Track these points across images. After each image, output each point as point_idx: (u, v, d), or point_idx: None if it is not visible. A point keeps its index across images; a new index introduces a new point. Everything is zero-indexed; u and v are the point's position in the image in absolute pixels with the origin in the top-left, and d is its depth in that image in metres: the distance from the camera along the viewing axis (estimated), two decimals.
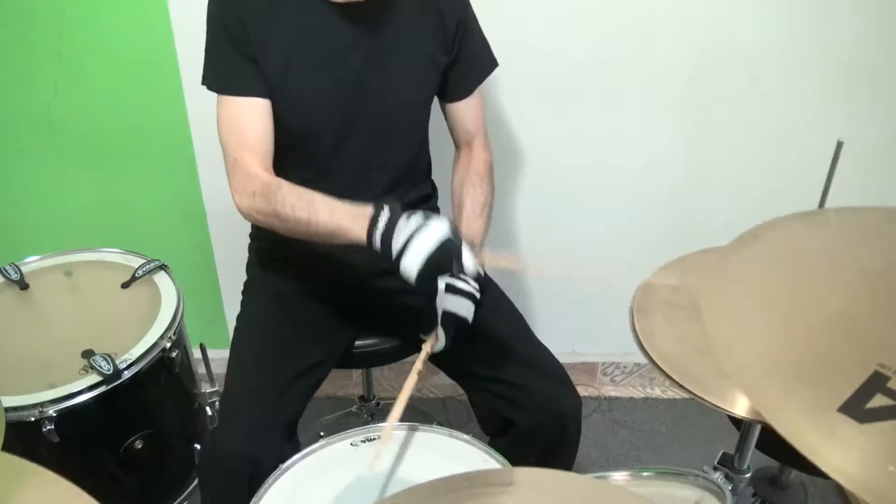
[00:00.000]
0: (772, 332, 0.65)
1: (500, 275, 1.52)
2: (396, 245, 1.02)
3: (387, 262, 1.04)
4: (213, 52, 1.21)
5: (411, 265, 1.01)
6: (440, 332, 1.12)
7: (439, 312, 1.11)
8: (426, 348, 1.13)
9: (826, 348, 0.63)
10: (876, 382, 0.58)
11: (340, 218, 1.08)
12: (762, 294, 0.70)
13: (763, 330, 0.65)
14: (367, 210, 1.06)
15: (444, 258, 1.01)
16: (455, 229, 1.04)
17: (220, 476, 1.14)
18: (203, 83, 1.23)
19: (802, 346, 0.63)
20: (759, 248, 0.75)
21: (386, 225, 1.03)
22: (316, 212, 1.10)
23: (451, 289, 1.10)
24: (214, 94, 1.22)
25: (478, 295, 1.15)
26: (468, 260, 1.03)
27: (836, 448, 0.54)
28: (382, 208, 1.05)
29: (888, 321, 0.64)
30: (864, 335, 0.63)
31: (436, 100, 1.35)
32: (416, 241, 1.01)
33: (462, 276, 1.09)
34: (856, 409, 0.56)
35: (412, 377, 1.08)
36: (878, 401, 0.56)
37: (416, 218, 1.03)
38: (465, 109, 1.35)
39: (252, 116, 1.18)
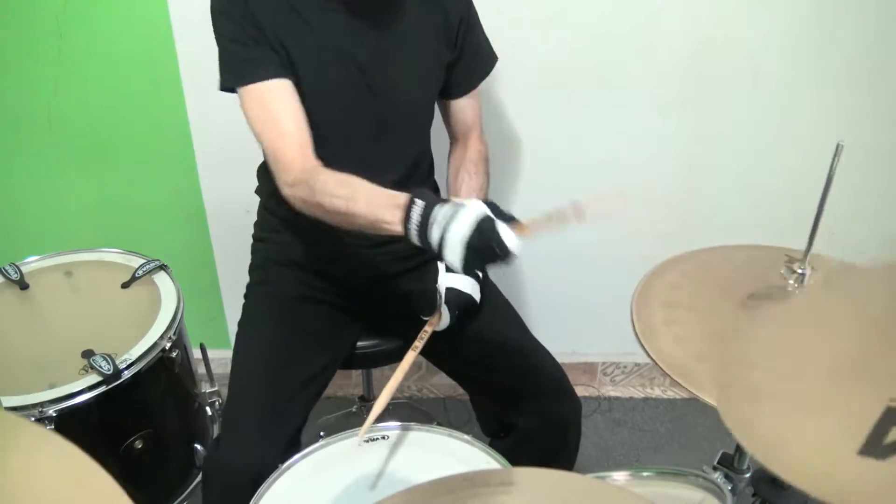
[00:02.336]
0: (784, 399, 0.65)
1: (499, 276, 1.52)
2: (434, 238, 0.94)
3: (432, 254, 0.97)
4: (224, 51, 1.16)
5: (453, 258, 0.93)
6: (444, 310, 1.13)
7: (441, 291, 1.13)
8: (428, 327, 1.14)
9: (837, 397, 0.62)
10: (890, 418, 0.58)
11: (376, 209, 1.00)
12: (771, 365, 0.70)
13: (776, 399, 0.65)
14: (402, 200, 0.98)
15: (484, 242, 0.92)
16: (494, 207, 0.96)
17: (224, 487, 1.14)
18: (221, 88, 1.18)
19: (814, 402, 0.63)
20: (760, 326, 0.76)
21: (420, 218, 0.95)
22: (355, 203, 1.03)
23: (450, 268, 1.11)
24: (214, 94, 1.22)
25: (480, 274, 1.17)
26: (509, 238, 0.92)
27: (865, 492, 0.54)
28: (414, 202, 0.97)
29: (893, 356, 0.64)
30: (871, 375, 0.63)
31: None
32: (451, 231, 0.93)
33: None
34: (875, 448, 0.56)
35: (410, 354, 1.09)
36: (895, 435, 0.56)
37: (449, 206, 0.95)
38: (465, 106, 1.36)
39: (279, 100, 1.13)
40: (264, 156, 1.17)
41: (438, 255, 0.95)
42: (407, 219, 0.96)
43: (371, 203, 1.01)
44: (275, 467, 1.08)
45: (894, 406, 0.58)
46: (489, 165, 1.37)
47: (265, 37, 1.14)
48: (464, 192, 1.30)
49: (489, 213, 0.94)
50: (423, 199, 0.96)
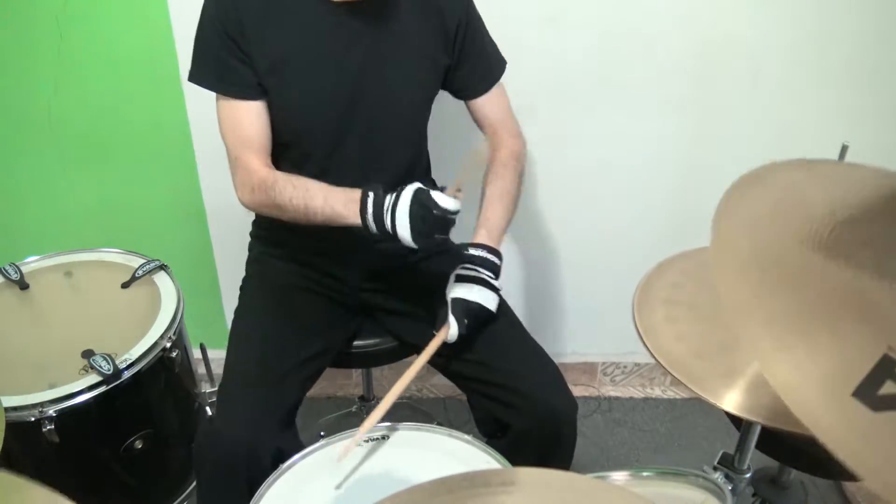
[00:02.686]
0: (782, 300, 0.62)
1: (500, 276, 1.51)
2: (388, 223, 1.09)
3: (389, 240, 1.10)
4: (206, 49, 1.21)
5: (404, 231, 1.09)
6: (451, 319, 1.15)
7: (448, 300, 1.15)
8: (437, 339, 1.15)
9: (835, 325, 0.60)
10: (886, 367, 0.56)
11: (333, 204, 1.14)
12: (770, 255, 0.66)
13: (774, 297, 0.63)
14: (356, 195, 1.13)
15: (423, 207, 1.08)
16: (426, 185, 1.12)
17: (216, 462, 1.14)
18: (191, 79, 1.23)
19: (812, 318, 0.61)
20: (762, 196, 0.73)
21: (374, 207, 1.10)
22: (312, 200, 1.16)
23: (460, 278, 1.18)
24: (211, 92, 1.23)
25: (494, 282, 1.20)
26: (444, 200, 1.09)
27: (853, 436, 0.53)
28: (368, 193, 1.11)
29: (892, 301, 0.62)
30: (871, 314, 0.61)
31: (447, 95, 1.36)
32: (398, 210, 1.08)
33: (469, 265, 1.18)
34: (868, 395, 0.54)
35: (418, 362, 1.13)
36: (889, 388, 0.55)
37: (392, 194, 1.11)
38: (483, 104, 1.35)
39: (250, 117, 1.22)
40: (228, 160, 1.25)
41: (394, 237, 1.10)
42: (363, 210, 1.11)
43: (328, 200, 1.15)
44: (267, 444, 1.08)
45: (892, 356, 0.57)
46: (524, 161, 1.37)
47: (249, 45, 1.18)
48: (489, 193, 1.30)
49: (422, 186, 1.09)
50: (373, 192, 1.11)
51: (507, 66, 1.38)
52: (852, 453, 0.51)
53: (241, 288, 1.41)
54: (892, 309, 0.61)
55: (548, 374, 1.26)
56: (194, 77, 1.23)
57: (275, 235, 1.38)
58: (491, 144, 1.37)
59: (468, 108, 1.37)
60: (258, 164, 1.22)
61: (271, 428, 1.15)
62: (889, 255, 0.66)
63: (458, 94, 1.35)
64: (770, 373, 0.56)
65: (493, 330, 1.30)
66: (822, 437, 0.52)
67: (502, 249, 1.25)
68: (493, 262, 1.22)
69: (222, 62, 1.19)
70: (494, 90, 1.35)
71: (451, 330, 1.15)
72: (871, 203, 0.75)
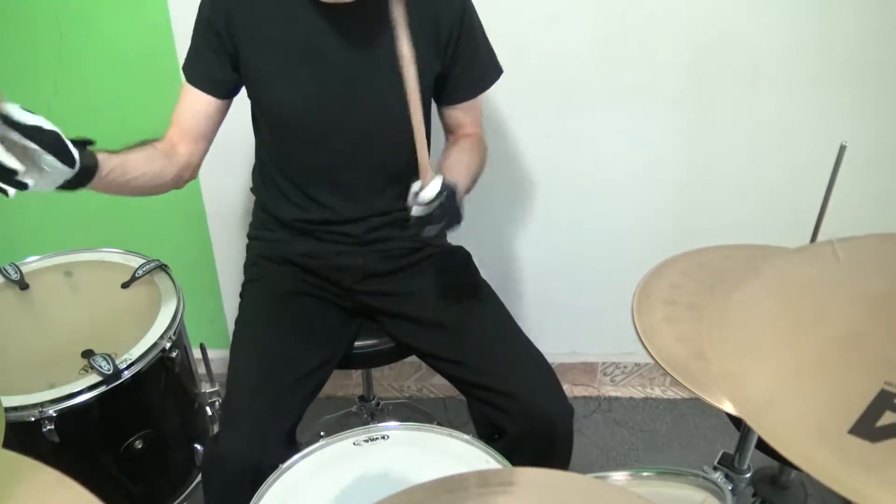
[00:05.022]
0: (776, 362, 0.64)
1: (497, 276, 1.51)
2: None
3: None
4: (193, 40, 1.25)
5: None
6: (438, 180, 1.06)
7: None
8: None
9: (831, 372, 0.62)
10: (884, 400, 0.57)
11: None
12: (764, 326, 0.69)
13: (767, 361, 0.65)
14: None
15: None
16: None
17: (223, 480, 1.14)
18: (183, 69, 1.27)
19: (807, 372, 0.63)
20: (758, 282, 0.76)
21: None
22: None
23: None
24: None
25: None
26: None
27: (852, 470, 0.53)
28: None
29: (890, 340, 0.64)
30: (868, 356, 0.63)
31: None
32: None
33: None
34: (866, 429, 0.55)
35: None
36: (889, 418, 0.56)
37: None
38: (458, 110, 1.34)
39: (196, 106, 1.25)
40: None
41: None
42: None
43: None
44: (273, 462, 1.08)
45: (889, 390, 0.58)
46: (485, 150, 1.34)
47: (235, 44, 1.20)
48: (456, 159, 1.25)
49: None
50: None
51: (508, 65, 1.38)
52: (852, 487, 0.52)
53: (241, 294, 1.41)
54: (887, 349, 0.63)
55: (542, 378, 1.25)
56: (184, 70, 1.26)
57: (269, 236, 1.38)
58: (457, 133, 1.36)
59: (441, 112, 1.35)
60: (174, 137, 1.25)
61: (276, 446, 1.15)
62: (885, 299, 0.68)
63: (439, 99, 1.33)
64: (758, 427, 0.58)
65: (488, 334, 1.29)
66: (822, 478, 0.53)
67: (500, 247, 1.25)
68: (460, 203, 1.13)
69: (197, 52, 1.23)
70: (472, 101, 1.34)
71: (435, 182, 1.05)
72: (865, 261, 0.76)
